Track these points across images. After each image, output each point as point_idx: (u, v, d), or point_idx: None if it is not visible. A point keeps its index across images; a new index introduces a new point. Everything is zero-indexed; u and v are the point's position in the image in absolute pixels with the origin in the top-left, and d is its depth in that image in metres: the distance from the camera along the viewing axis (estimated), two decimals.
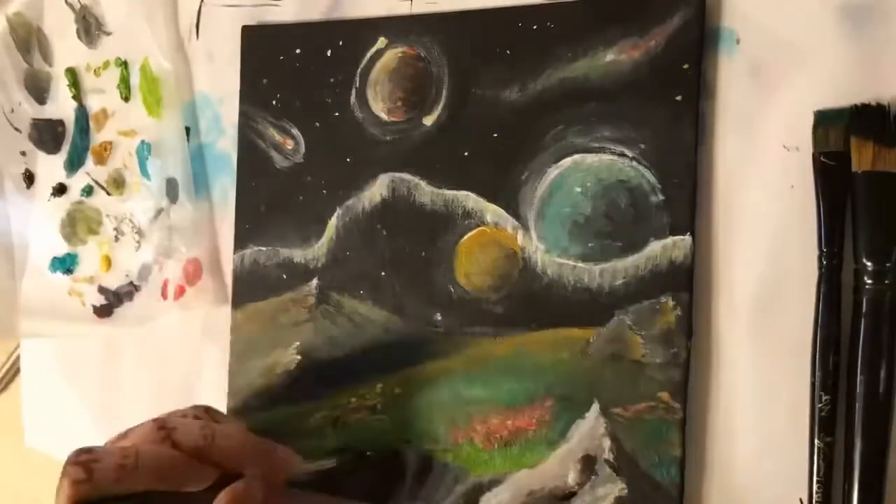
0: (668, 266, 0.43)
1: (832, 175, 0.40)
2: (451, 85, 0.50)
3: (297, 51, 0.55)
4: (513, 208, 0.48)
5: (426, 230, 0.50)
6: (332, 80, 0.53)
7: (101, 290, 0.64)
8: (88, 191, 0.65)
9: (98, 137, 0.64)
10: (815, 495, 0.39)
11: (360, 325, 0.52)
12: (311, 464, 0.48)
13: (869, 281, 0.39)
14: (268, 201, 0.55)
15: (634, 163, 0.45)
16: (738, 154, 0.43)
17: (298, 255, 0.54)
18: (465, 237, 0.49)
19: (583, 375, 0.45)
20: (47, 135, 0.67)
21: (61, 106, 0.66)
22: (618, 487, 0.44)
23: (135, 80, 0.62)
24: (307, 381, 0.53)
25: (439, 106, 0.50)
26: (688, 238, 0.43)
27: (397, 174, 0.51)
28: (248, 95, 0.57)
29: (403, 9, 0.52)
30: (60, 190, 0.66)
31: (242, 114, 0.57)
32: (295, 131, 0.55)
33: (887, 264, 0.38)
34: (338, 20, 0.54)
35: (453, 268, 0.49)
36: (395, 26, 0.51)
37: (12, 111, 0.68)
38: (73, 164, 0.65)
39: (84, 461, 0.39)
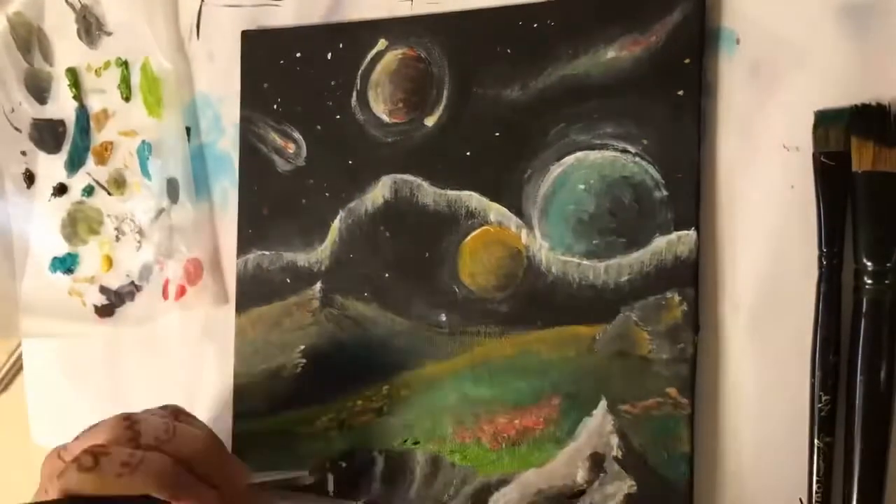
0: (674, 261, 0.44)
1: (832, 175, 0.40)
2: (451, 85, 0.50)
3: (298, 54, 0.55)
4: (516, 207, 0.48)
5: (429, 231, 0.50)
6: (332, 83, 0.53)
7: (103, 289, 0.64)
8: (89, 191, 0.65)
9: (99, 137, 0.64)
10: (815, 495, 0.40)
11: (365, 328, 0.52)
12: (268, 474, 0.49)
13: (869, 281, 0.39)
14: (270, 205, 0.55)
15: (637, 159, 0.45)
16: (739, 153, 0.43)
17: (302, 258, 0.54)
18: (469, 237, 0.49)
19: (590, 373, 0.45)
20: (48, 135, 0.66)
21: (62, 106, 0.66)
22: (627, 485, 0.44)
23: (135, 80, 0.62)
24: (313, 384, 0.53)
25: (440, 106, 0.50)
26: (692, 233, 0.43)
27: (400, 175, 0.51)
28: (248, 100, 0.57)
29: (404, 9, 0.52)
30: (61, 190, 0.66)
31: (244, 118, 0.57)
32: (296, 135, 0.55)
33: (887, 264, 0.39)
34: (337, 23, 0.54)
35: (457, 268, 0.49)
36: (395, 28, 0.52)
37: (12, 111, 0.68)
38: (74, 164, 0.65)
39: (94, 451, 0.42)
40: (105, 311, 0.64)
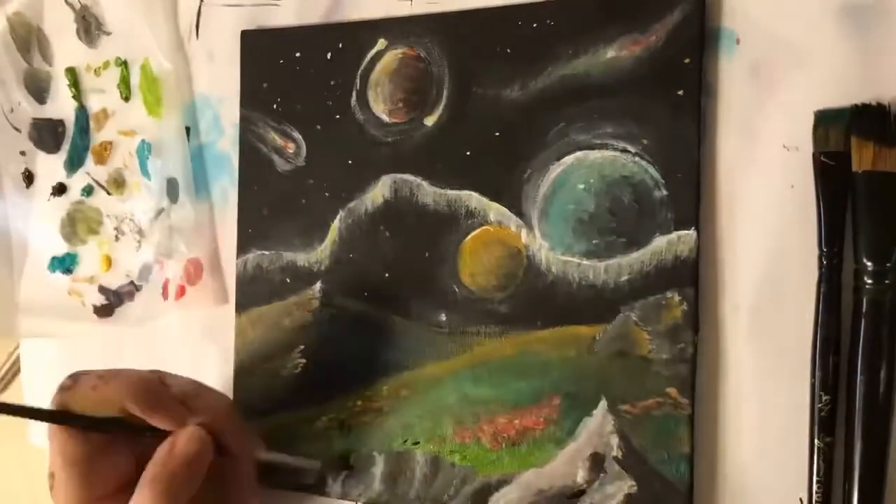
0: (674, 261, 0.44)
1: (832, 175, 0.40)
2: (451, 85, 0.50)
3: (297, 54, 0.55)
4: (516, 207, 0.48)
5: (429, 231, 0.50)
6: (332, 83, 0.53)
7: (102, 289, 0.64)
8: (88, 190, 0.65)
9: (98, 137, 0.64)
10: (815, 495, 0.39)
11: (365, 328, 0.52)
12: (280, 455, 0.51)
13: (869, 281, 0.39)
14: (270, 205, 0.55)
15: (637, 158, 0.45)
16: (739, 153, 0.43)
17: (301, 258, 0.54)
18: (469, 237, 0.49)
19: (590, 373, 0.45)
20: (47, 134, 0.66)
21: (61, 106, 0.66)
22: (627, 485, 0.44)
23: (135, 79, 0.62)
24: (313, 384, 0.53)
25: (440, 106, 0.50)
26: (692, 233, 0.43)
27: (399, 175, 0.51)
28: (248, 100, 0.56)
29: (403, 9, 0.52)
30: (60, 190, 0.66)
31: (243, 119, 0.57)
32: (296, 134, 0.55)
33: (887, 264, 0.39)
34: (336, 23, 0.54)
35: (457, 268, 0.49)
36: (395, 27, 0.51)
37: (12, 111, 0.68)
38: (73, 164, 0.65)
39: (74, 374, 0.45)
40: (104, 311, 0.64)
